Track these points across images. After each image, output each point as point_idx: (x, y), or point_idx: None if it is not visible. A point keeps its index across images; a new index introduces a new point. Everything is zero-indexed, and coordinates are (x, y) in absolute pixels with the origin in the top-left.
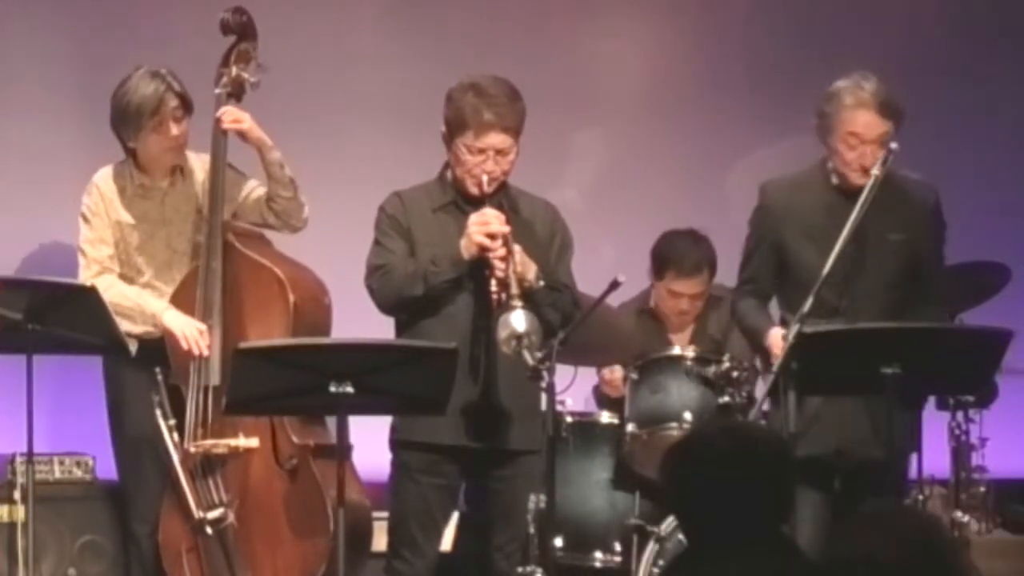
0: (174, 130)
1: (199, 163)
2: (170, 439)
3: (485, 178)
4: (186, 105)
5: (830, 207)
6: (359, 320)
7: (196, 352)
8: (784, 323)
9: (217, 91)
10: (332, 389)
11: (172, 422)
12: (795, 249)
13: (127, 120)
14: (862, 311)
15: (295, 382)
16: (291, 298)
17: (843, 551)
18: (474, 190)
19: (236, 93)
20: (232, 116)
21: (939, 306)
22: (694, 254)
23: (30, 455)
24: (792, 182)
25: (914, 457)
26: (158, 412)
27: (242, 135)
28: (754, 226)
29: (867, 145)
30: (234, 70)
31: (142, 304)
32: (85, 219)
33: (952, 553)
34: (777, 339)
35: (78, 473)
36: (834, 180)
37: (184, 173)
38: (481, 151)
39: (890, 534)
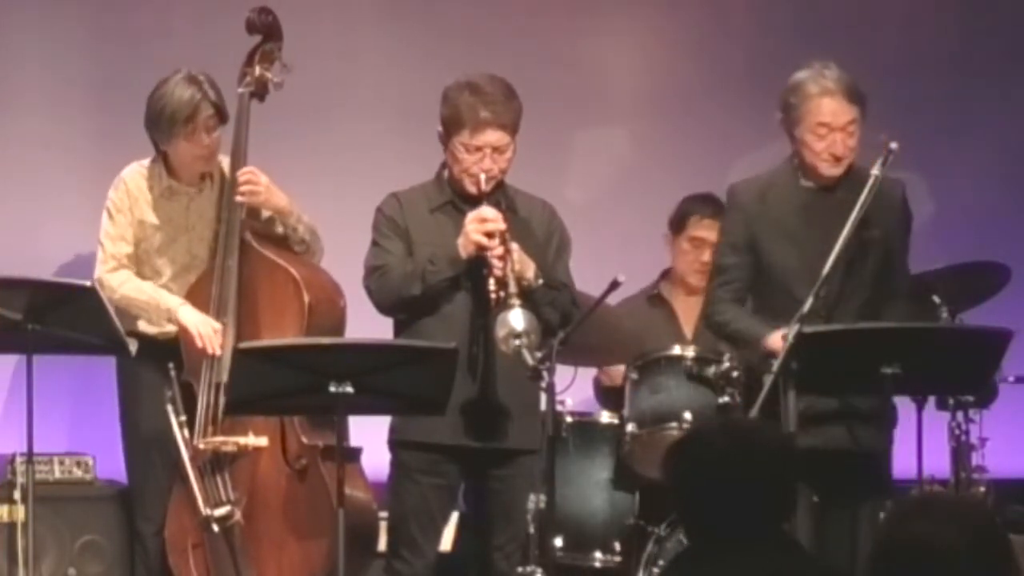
0: (206, 139)
1: (227, 168)
2: (180, 435)
3: (483, 176)
4: (220, 114)
5: (805, 206)
6: (359, 320)
7: (210, 351)
8: None
9: (240, 90)
10: (332, 389)
11: (183, 418)
12: (772, 250)
13: (160, 124)
14: (842, 309)
15: (295, 382)
16: (306, 299)
17: (903, 535)
18: (472, 189)
19: (259, 93)
20: (247, 188)
21: (908, 300)
22: (714, 203)
23: (30, 455)
24: (763, 184)
25: (914, 457)
26: (169, 408)
27: (259, 205)
28: (728, 229)
29: (836, 133)
30: (258, 70)
31: (158, 299)
32: (109, 214)
33: (1008, 542)
34: (778, 340)
35: (78, 473)
36: (804, 182)
37: (213, 179)
38: (478, 149)
39: (952, 520)
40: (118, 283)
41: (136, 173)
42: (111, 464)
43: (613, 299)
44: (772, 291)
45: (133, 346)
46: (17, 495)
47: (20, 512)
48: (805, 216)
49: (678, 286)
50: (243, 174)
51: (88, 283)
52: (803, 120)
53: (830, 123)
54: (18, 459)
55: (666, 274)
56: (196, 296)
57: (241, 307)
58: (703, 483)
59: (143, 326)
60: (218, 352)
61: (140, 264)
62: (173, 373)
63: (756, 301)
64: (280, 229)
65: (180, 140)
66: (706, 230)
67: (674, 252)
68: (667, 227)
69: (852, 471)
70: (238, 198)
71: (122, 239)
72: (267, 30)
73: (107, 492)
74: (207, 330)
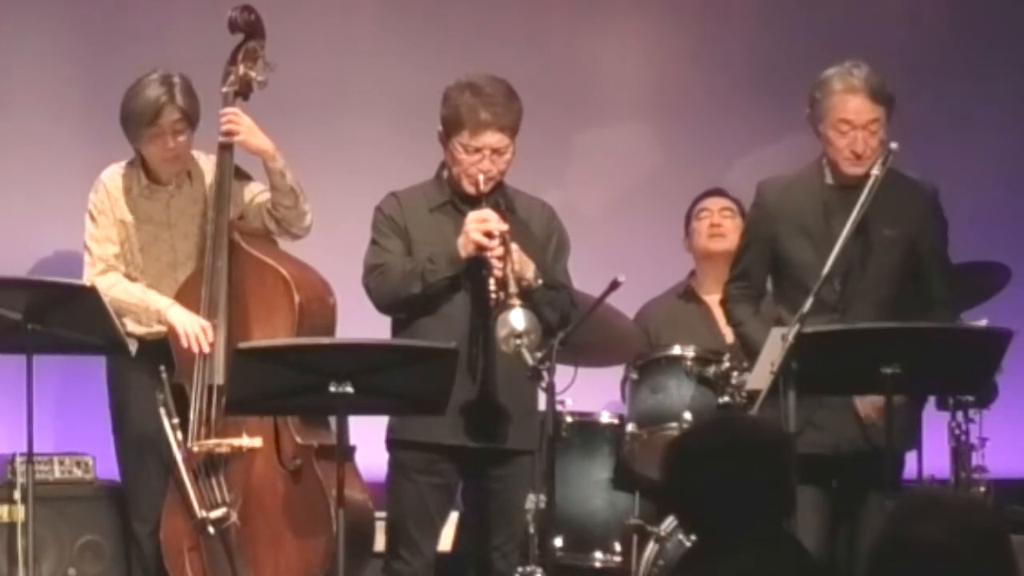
0: (170, 143)
1: (208, 164)
2: (174, 438)
3: (481, 177)
4: (189, 119)
5: (827, 205)
6: (359, 320)
7: (195, 349)
8: (780, 321)
9: (224, 90)
10: (332, 389)
11: (176, 421)
12: (792, 247)
13: (128, 123)
14: (858, 308)
15: (295, 382)
16: (296, 298)
17: (907, 535)
18: (470, 190)
19: (243, 92)
20: (227, 127)
21: (947, 308)
22: (715, 190)
23: (30, 455)
24: (788, 180)
25: (914, 457)
26: (162, 411)
27: (240, 145)
28: (749, 224)
29: (858, 131)
30: (241, 69)
31: (147, 301)
32: (92, 217)
33: (1008, 543)
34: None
35: (78, 473)
36: (828, 180)
37: (192, 176)
38: (477, 150)
39: (957, 521)
40: (107, 286)
41: (114, 174)
42: (111, 464)
43: (638, 302)
44: (791, 286)
45: (133, 346)
46: (17, 495)
47: (20, 512)
48: (825, 213)
49: (707, 277)
50: (225, 114)
51: (88, 283)
52: (826, 116)
53: (852, 120)
54: (18, 459)
55: (693, 274)
56: (186, 298)
57: (231, 308)
58: (699, 481)
59: (132, 326)
60: (207, 350)
61: (125, 264)
62: (164, 375)
63: (776, 296)
64: (260, 200)
65: (147, 140)
66: (708, 203)
67: (691, 243)
68: (683, 234)
69: (862, 470)
70: (220, 139)
71: (107, 240)
72: (250, 28)
73: (107, 492)
74: (194, 328)
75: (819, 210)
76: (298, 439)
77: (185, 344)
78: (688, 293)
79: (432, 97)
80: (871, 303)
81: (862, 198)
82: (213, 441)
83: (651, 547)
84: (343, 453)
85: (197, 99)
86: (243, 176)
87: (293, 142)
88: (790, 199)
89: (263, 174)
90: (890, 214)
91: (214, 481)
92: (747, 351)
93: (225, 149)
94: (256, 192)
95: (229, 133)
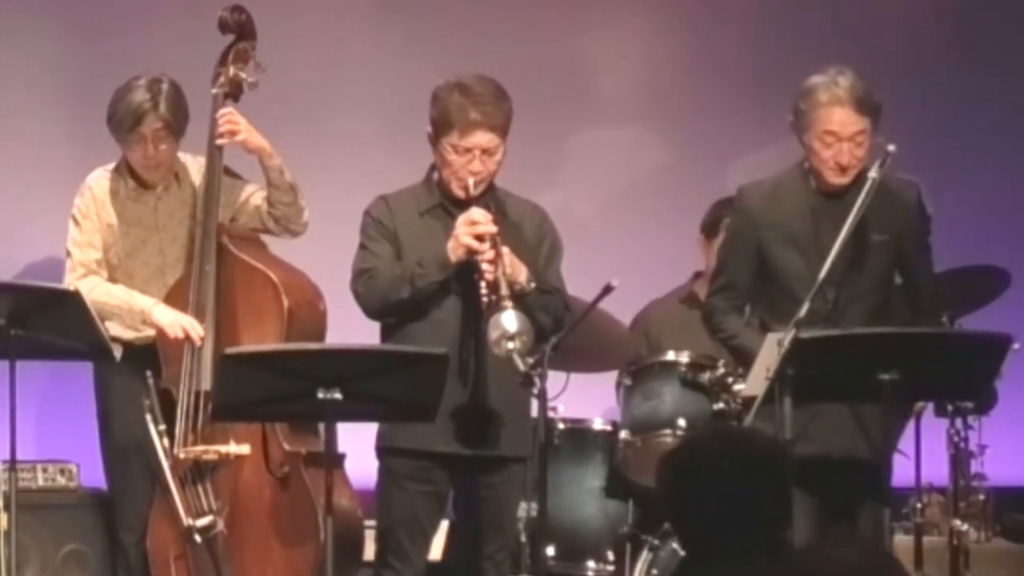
0: (151, 150)
1: (196, 167)
2: (160, 444)
3: (471, 180)
4: (171, 128)
5: (812, 210)
6: (348, 325)
7: (195, 337)
8: (764, 328)
9: (214, 91)
10: (320, 395)
11: (162, 427)
12: (778, 255)
13: (112, 125)
14: (850, 316)
15: (283, 388)
16: (285, 303)
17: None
18: (460, 192)
19: (233, 93)
20: (227, 128)
21: (936, 305)
22: None
23: (13, 462)
24: (771, 186)
25: (912, 464)
26: (148, 417)
27: (240, 145)
28: (733, 232)
29: (843, 142)
30: (232, 70)
31: (130, 301)
32: (75, 220)
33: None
34: None
35: (62, 481)
36: (812, 184)
37: (179, 178)
38: (467, 151)
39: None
40: (88, 289)
41: (101, 177)
42: (95, 472)
43: (634, 306)
44: (778, 295)
45: (118, 352)
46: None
47: (3, 521)
48: (812, 220)
49: None
50: (223, 115)
51: (72, 287)
52: (811, 127)
53: (838, 132)
54: (0, 467)
55: (698, 276)
56: (174, 302)
57: (220, 312)
58: (698, 491)
59: (118, 331)
60: (198, 343)
61: (112, 269)
62: (151, 380)
63: (763, 305)
64: (256, 201)
65: (128, 145)
66: None
67: (708, 255)
68: (699, 231)
69: (853, 477)
70: (218, 141)
71: (90, 245)
72: (240, 29)
73: (91, 500)
74: (185, 321)
75: (806, 217)
76: (286, 446)
77: (172, 335)
78: (691, 298)
79: (423, 96)
80: (864, 310)
81: (859, 201)
82: (200, 448)
83: (644, 556)
84: (331, 460)
85: (185, 107)
86: (233, 177)
87: (286, 141)
88: (775, 206)
89: (253, 174)
90: (878, 219)
91: (201, 488)
92: (744, 363)
93: (217, 150)
94: (250, 192)
95: (231, 133)
